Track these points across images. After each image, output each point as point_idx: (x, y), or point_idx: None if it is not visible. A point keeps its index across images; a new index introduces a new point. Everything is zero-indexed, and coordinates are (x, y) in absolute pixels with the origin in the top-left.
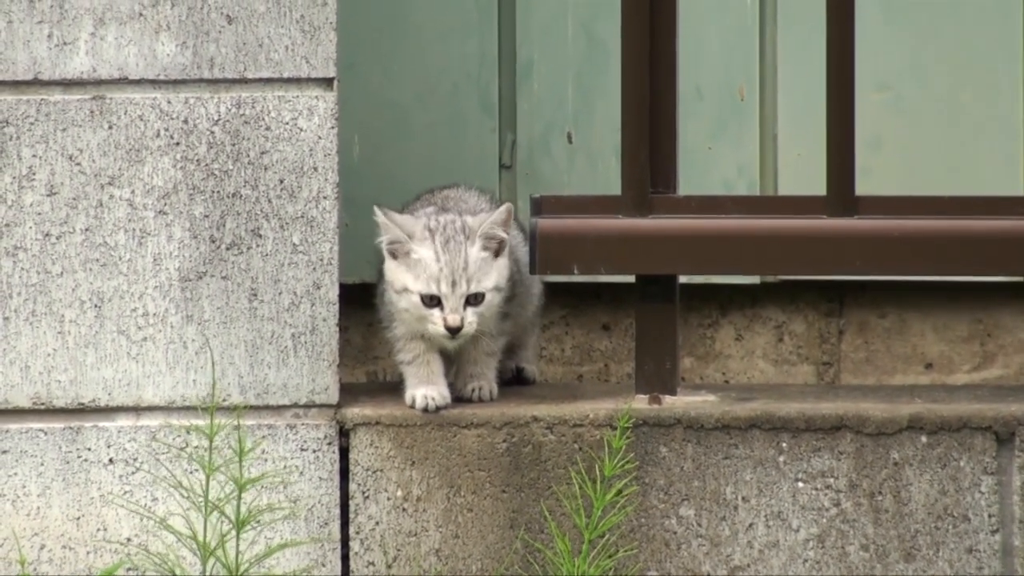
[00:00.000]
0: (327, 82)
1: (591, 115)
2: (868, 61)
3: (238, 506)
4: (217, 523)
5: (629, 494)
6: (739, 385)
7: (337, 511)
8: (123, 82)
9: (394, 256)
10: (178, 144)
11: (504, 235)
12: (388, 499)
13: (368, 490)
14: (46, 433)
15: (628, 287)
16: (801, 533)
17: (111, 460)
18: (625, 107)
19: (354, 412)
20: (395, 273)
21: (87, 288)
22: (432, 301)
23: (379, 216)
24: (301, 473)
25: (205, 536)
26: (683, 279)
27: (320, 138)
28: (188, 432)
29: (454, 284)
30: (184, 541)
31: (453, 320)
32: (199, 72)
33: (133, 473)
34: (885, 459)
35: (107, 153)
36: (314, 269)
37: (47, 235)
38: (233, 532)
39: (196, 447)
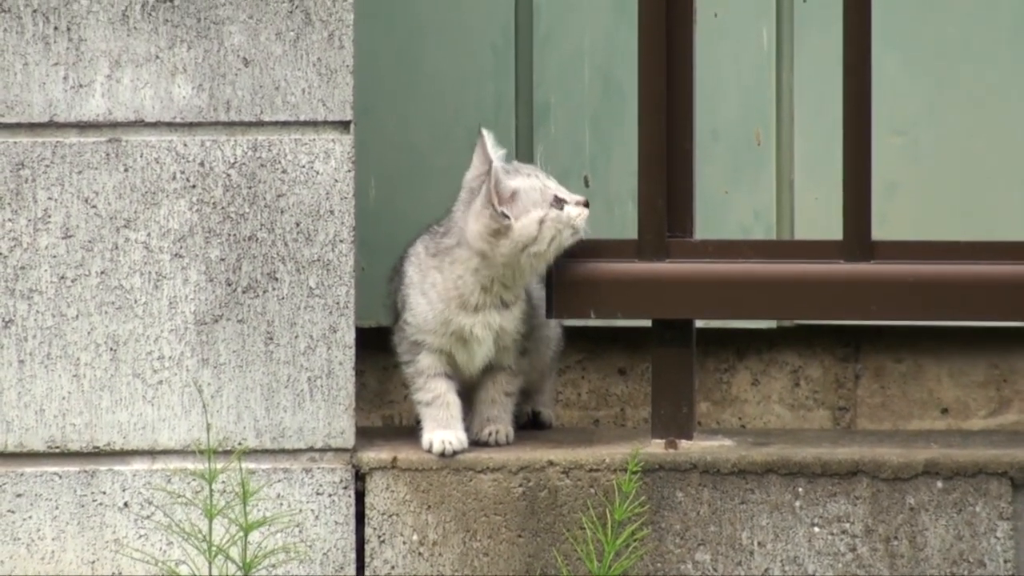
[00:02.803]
0: (344, 125)
1: (608, 159)
2: (885, 106)
3: (244, 549)
4: (224, 567)
5: (641, 538)
6: (755, 430)
7: (353, 555)
8: (139, 124)
9: (498, 233)
10: (194, 187)
11: None
12: (404, 543)
13: (384, 534)
14: (61, 476)
15: (645, 331)
16: None
17: (126, 504)
18: (642, 151)
19: (370, 456)
20: (515, 228)
21: (102, 331)
22: (560, 202)
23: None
24: (317, 517)
25: None
26: (700, 323)
27: (337, 181)
28: (203, 477)
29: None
30: None
31: (581, 207)
32: (215, 115)
33: (148, 517)
34: (901, 504)
35: (123, 196)
36: (330, 312)
37: (62, 278)
38: None
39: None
